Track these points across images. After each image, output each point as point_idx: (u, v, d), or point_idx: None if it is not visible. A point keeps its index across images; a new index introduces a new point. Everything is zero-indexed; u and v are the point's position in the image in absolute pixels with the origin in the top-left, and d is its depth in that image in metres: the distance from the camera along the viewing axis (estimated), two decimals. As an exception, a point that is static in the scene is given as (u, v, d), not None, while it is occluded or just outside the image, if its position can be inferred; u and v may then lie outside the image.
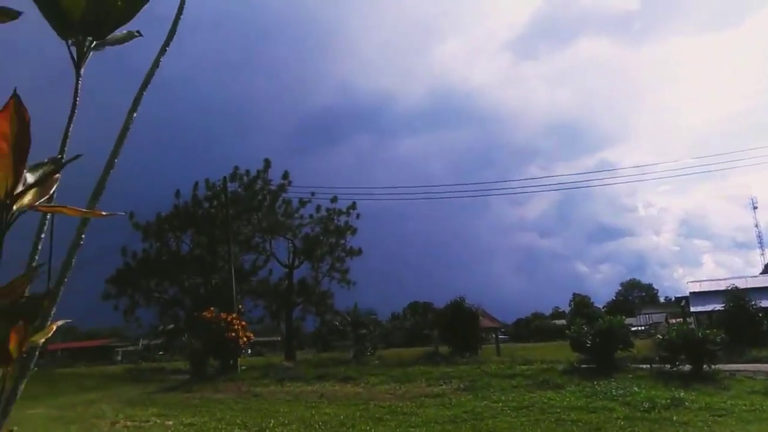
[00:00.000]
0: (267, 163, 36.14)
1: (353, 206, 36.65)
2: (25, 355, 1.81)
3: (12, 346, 1.67)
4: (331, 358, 27.90)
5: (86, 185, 1.90)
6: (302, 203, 36.17)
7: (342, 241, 36.71)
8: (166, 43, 2.45)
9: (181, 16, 2.57)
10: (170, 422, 12.64)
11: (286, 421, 12.13)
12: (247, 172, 35.74)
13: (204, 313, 24.92)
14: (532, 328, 70.15)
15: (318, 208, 36.32)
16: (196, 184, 36.17)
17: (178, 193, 35.99)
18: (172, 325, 37.98)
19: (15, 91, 1.50)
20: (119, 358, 60.70)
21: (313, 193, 35.99)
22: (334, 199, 36.43)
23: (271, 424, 11.80)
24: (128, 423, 12.68)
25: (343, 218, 36.55)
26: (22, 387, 1.90)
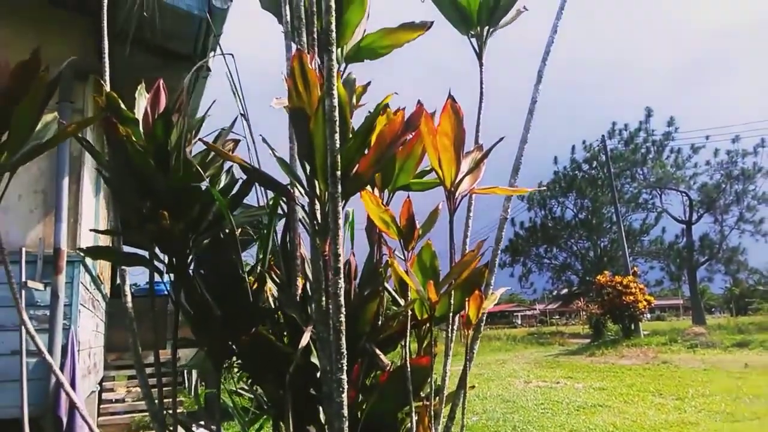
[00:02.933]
0: (648, 111, 33.40)
1: (762, 143, 30.76)
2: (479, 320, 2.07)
3: (471, 312, 1.94)
4: (752, 323, 24.05)
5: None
6: (695, 150, 32.20)
7: (751, 187, 31.19)
8: (562, 7, 2.45)
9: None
10: (579, 385, 12.92)
11: (707, 392, 10.98)
12: (626, 126, 33.77)
13: (598, 277, 24.60)
14: None
15: (716, 152, 31.80)
16: (573, 147, 35.95)
17: (555, 160, 36.49)
18: (565, 290, 38.89)
19: (450, 92, 1.71)
20: (519, 321, 65.51)
21: (707, 136, 31.61)
22: (735, 140, 31.31)
23: (690, 394, 10.87)
24: (540, 383, 13.50)
25: (750, 159, 31.06)
26: (476, 347, 2.18)
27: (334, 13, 1.38)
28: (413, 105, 1.67)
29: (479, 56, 2.53)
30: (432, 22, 2.23)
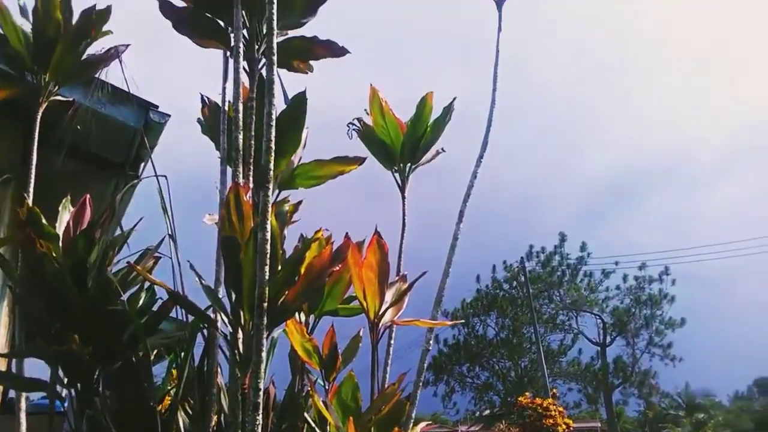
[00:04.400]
0: (562, 236, 35.49)
1: (666, 271, 33.08)
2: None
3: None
4: (667, 448, 24.40)
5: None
6: (605, 274, 34.08)
7: (658, 312, 33.04)
8: (481, 156, 2.68)
9: (490, 130, 2.80)
10: None
11: None
12: (543, 249, 35.56)
13: (519, 398, 24.58)
14: None
15: (625, 278, 33.79)
16: (494, 266, 37.23)
17: (478, 278, 37.52)
18: (487, 411, 38.41)
19: (376, 228, 1.80)
20: (442, 442, 63.39)
21: (617, 262, 33.69)
22: (642, 266, 33.52)
23: None
24: None
25: (655, 286, 33.16)
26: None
27: (273, 154, 1.46)
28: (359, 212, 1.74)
29: (402, 189, 2.69)
30: (365, 159, 2.37)
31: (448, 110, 2.67)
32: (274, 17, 1.59)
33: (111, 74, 2.78)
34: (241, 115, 1.78)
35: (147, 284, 2.00)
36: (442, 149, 2.79)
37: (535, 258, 35.51)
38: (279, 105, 2.10)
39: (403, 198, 2.69)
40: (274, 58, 1.55)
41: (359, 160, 2.31)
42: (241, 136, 1.74)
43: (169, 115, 4.02)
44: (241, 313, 1.50)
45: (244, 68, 1.86)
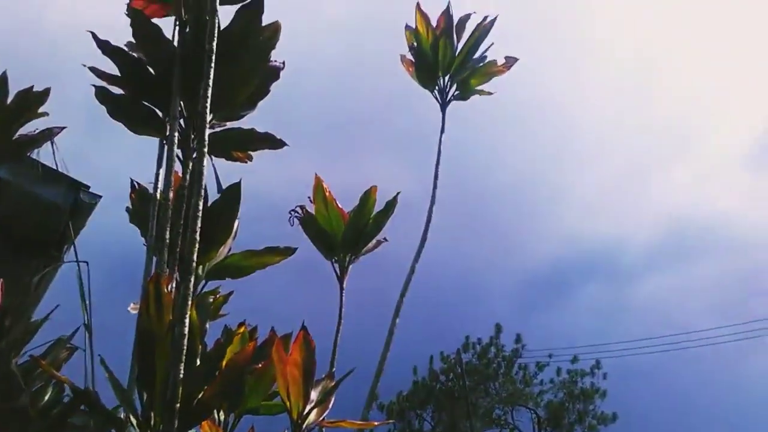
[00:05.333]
0: (498, 328, 35.77)
1: (597, 365, 33.64)
2: None
3: None
4: None
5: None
6: (540, 367, 34.29)
7: (591, 407, 33.22)
8: (419, 252, 2.73)
9: (430, 222, 2.88)
10: None
11: None
12: (479, 340, 35.61)
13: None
14: None
15: (558, 371, 34.06)
16: (431, 358, 36.83)
17: (415, 370, 36.88)
18: None
19: (303, 323, 1.76)
20: None
21: (550, 355, 34.07)
22: (574, 360, 33.98)
23: None
24: None
25: (587, 380, 33.54)
26: None
27: (197, 246, 1.44)
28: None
29: (340, 280, 2.68)
30: (296, 248, 2.36)
31: (391, 205, 2.73)
32: (207, 110, 1.62)
33: (43, 153, 2.72)
34: (171, 204, 1.76)
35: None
36: (385, 239, 2.82)
37: (472, 349, 35.48)
38: (214, 194, 2.11)
39: (342, 289, 2.68)
40: (205, 150, 1.56)
41: (291, 251, 2.30)
42: (168, 225, 1.71)
43: (100, 196, 3.92)
44: (152, 414, 1.41)
45: (178, 156, 1.86)
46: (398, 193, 2.73)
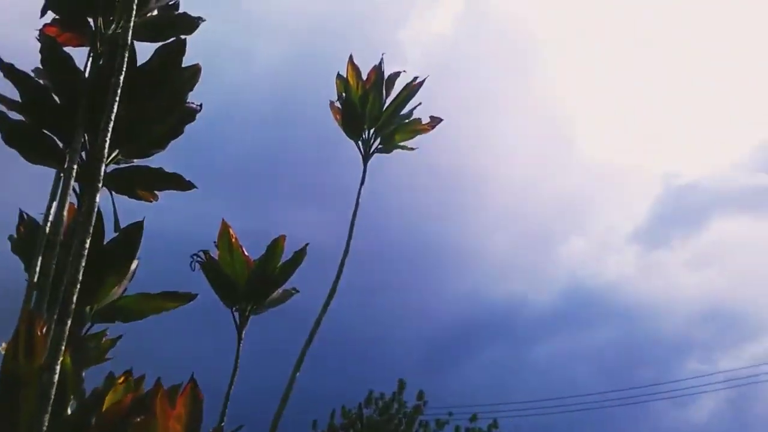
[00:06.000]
0: (401, 383, 35.61)
1: (495, 424, 34.06)
2: None
3: None
4: None
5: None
6: (439, 425, 34.34)
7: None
8: (326, 305, 2.71)
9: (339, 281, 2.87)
10: None
11: None
12: (382, 395, 35.28)
13: None
14: None
15: (457, 429, 34.24)
16: (333, 412, 35.95)
17: (315, 424, 35.77)
18: None
19: (193, 375, 1.69)
20: None
21: (450, 413, 34.23)
22: (473, 418, 34.31)
23: None
24: None
25: (486, 439, 33.91)
26: None
27: (79, 285, 1.36)
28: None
29: (238, 330, 2.60)
30: (196, 295, 2.28)
31: (299, 255, 2.70)
32: (105, 144, 1.57)
33: None
34: (60, 239, 1.66)
35: None
36: (294, 290, 2.77)
37: (374, 404, 35.03)
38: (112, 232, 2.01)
39: (239, 340, 2.59)
40: (99, 185, 1.51)
41: (190, 297, 2.22)
42: (54, 262, 1.61)
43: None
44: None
45: (74, 190, 1.77)
46: (307, 244, 2.72)
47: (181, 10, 2.22)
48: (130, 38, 1.73)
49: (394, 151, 3.45)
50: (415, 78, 3.42)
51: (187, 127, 2.18)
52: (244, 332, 2.56)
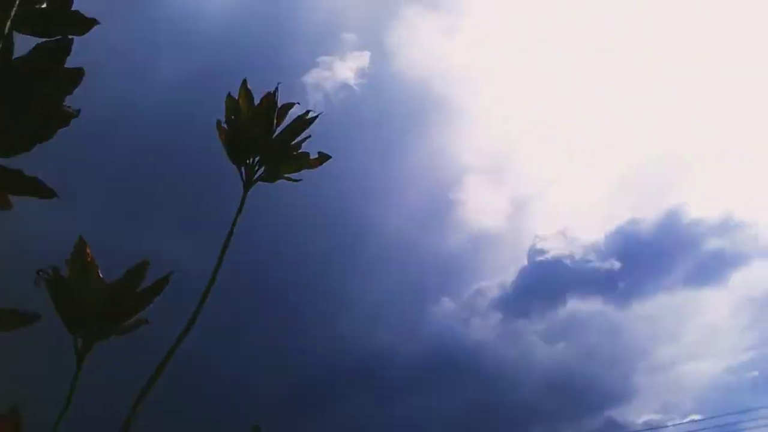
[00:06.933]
0: (255, 429, 34.13)
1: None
2: None
3: None
4: None
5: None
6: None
7: None
8: (182, 336, 2.55)
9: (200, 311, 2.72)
10: None
11: None
12: (234, 440, 33.56)
13: None
14: None
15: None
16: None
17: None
18: None
19: (16, 406, 1.50)
20: None
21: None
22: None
23: None
24: None
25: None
26: None
27: None
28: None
29: (79, 358, 2.37)
30: (41, 316, 2.07)
31: (161, 283, 2.52)
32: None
33: None
34: None
35: None
36: (147, 320, 2.58)
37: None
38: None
39: (78, 369, 2.36)
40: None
41: (34, 318, 1.99)
42: None
43: None
44: None
45: None
46: (171, 273, 2.57)
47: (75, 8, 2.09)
48: (8, 27, 1.59)
49: (279, 182, 3.39)
50: (308, 111, 3.43)
51: (65, 134, 2.02)
52: (84, 361, 2.34)
